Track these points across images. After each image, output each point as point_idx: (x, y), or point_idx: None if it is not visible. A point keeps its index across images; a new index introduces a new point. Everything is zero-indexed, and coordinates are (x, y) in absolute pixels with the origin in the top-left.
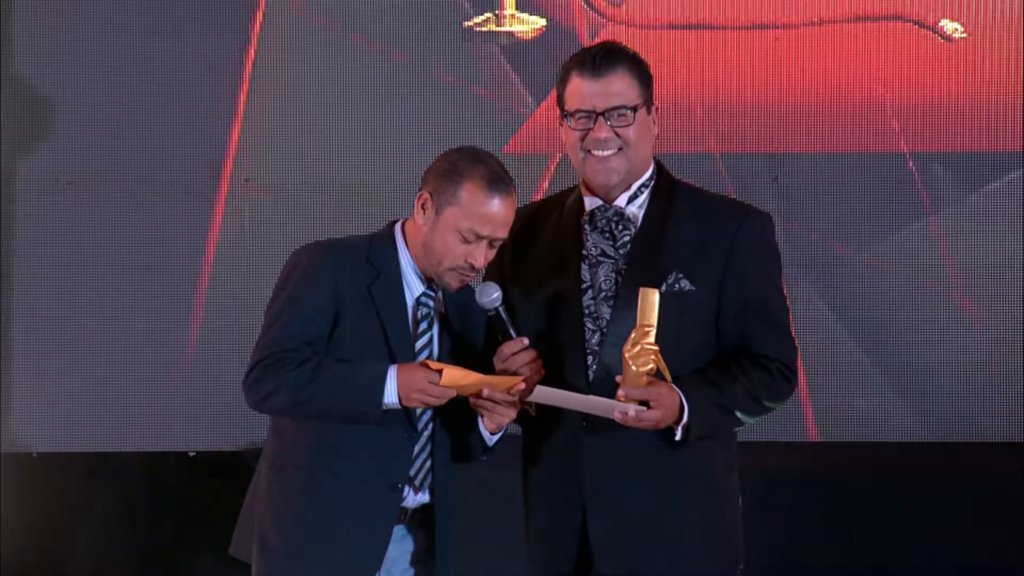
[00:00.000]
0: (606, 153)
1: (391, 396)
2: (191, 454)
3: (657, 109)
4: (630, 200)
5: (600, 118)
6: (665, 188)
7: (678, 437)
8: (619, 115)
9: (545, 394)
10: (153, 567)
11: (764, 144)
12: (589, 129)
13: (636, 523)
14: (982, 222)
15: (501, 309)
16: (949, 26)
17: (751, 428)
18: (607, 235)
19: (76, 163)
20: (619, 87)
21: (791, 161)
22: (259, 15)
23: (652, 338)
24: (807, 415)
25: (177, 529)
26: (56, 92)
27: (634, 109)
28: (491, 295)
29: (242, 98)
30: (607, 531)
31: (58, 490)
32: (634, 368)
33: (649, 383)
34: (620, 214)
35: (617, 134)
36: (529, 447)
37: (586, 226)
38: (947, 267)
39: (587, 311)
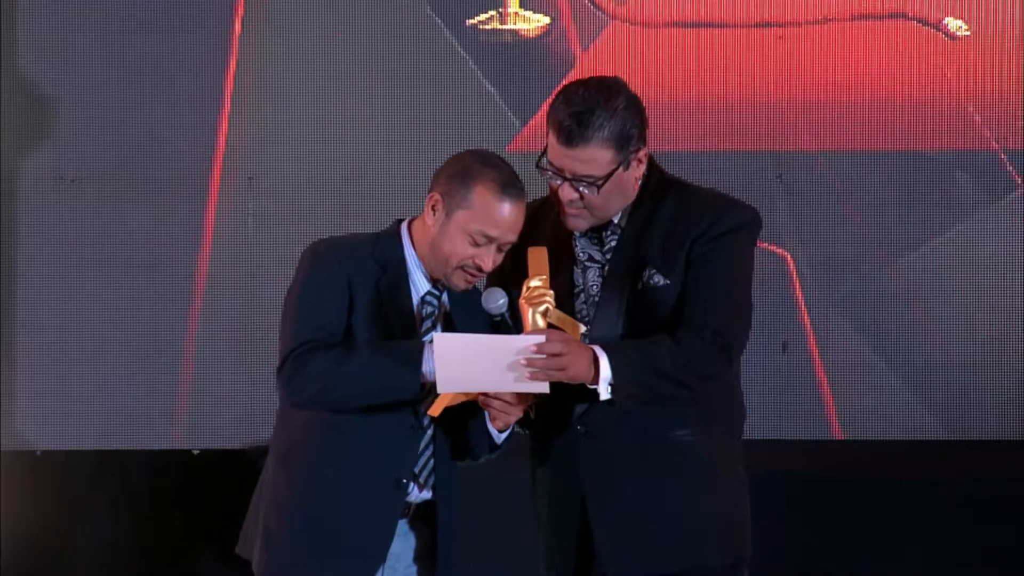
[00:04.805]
0: (572, 210)
1: (429, 363)
2: (195, 452)
3: (645, 153)
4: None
5: (567, 182)
6: (652, 190)
7: (604, 395)
8: (586, 184)
9: (452, 340)
10: (157, 565)
11: (768, 142)
12: (559, 184)
13: (637, 525)
14: (986, 219)
15: (507, 315)
16: (953, 24)
17: (756, 426)
18: (595, 241)
19: (79, 161)
20: (590, 159)
21: (795, 159)
22: (263, 14)
23: (545, 286)
24: (808, 414)
25: (181, 527)
26: (59, 90)
27: (605, 178)
28: (497, 301)
29: (245, 97)
30: (609, 534)
31: (62, 488)
32: (531, 311)
33: (549, 326)
34: (610, 221)
35: (583, 196)
36: (534, 450)
37: (575, 232)
38: (951, 264)
39: (579, 314)
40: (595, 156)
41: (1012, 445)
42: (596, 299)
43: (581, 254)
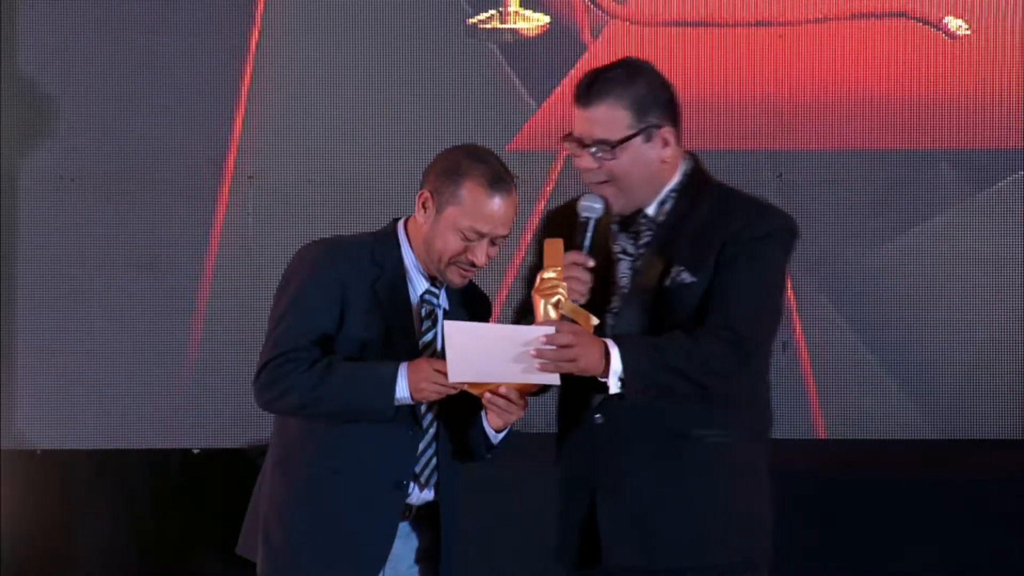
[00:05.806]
0: (595, 181)
1: (403, 391)
2: (195, 451)
3: (670, 133)
4: (660, 204)
5: (584, 149)
6: (692, 189)
7: (614, 389)
8: (601, 149)
9: (463, 329)
10: (157, 564)
11: (768, 141)
12: (579, 156)
13: (643, 518)
14: (986, 219)
15: (592, 222)
16: (953, 23)
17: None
18: (631, 235)
19: (79, 161)
20: (603, 120)
21: (794, 158)
22: (261, 12)
23: (559, 278)
24: (814, 413)
25: (181, 526)
26: (59, 89)
27: (619, 142)
28: (594, 204)
29: (245, 95)
30: (614, 525)
31: (61, 487)
32: (543, 302)
33: (561, 318)
34: (646, 215)
35: (601, 166)
36: (558, 443)
37: (614, 227)
38: (950, 264)
39: (611, 307)
40: (609, 115)
41: (1010, 444)
42: (624, 291)
43: (617, 247)
